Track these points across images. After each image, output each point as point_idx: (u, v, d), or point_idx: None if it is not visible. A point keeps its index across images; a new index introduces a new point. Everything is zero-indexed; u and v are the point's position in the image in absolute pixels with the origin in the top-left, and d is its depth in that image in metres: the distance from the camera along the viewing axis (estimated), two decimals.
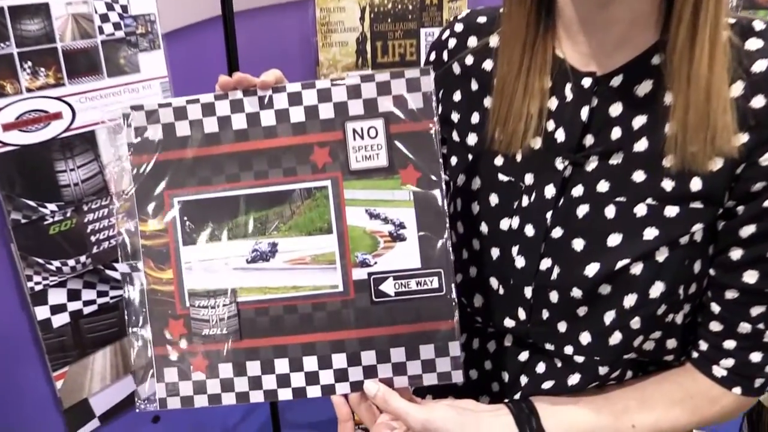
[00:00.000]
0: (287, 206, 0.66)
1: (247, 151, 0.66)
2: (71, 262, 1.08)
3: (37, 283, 0.97)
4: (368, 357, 0.65)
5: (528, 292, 0.67)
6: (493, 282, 0.70)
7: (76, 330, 0.94)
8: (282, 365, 0.66)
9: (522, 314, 0.68)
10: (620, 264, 0.61)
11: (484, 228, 0.70)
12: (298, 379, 0.66)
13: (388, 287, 0.65)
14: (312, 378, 0.66)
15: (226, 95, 0.66)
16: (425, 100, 0.64)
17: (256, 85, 0.64)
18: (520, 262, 0.67)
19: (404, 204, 0.65)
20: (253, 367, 0.66)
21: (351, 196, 0.65)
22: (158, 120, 0.66)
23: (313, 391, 0.66)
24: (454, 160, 0.76)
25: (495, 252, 0.70)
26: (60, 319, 1.03)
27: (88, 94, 1.10)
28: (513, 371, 0.71)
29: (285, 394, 0.66)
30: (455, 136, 0.75)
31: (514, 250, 0.68)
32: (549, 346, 0.68)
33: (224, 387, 0.66)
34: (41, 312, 1.01)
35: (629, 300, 0.62)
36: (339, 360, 0.65)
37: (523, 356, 0.71)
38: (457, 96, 0.75)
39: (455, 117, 0.75)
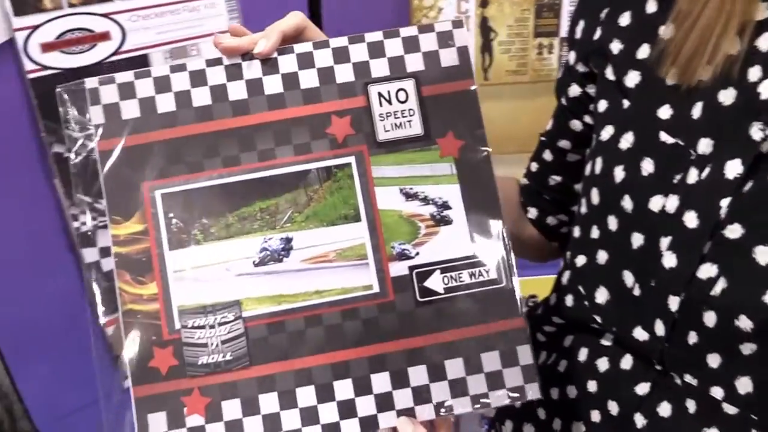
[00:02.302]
0: (302, 191, 0.53)
1: (249, 126, 0.53)
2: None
3: (83, 224, 0.81)
4: (418, 375, 0.51)
5: (673, 303, 0.49)
6: (627, 277, 0.53)
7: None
8: (306, 396, 0.51)
9: (660, 329, 0.51)
10: None
11: (626, 203, 0.52)
12: (329, 413, 0.50)
13: (436, 283, 0.52)
14: (347, 409, 0.51)
15: (219, 60, 0.54)
16: (461, 56, 0.54)
17: (253, 52, 0.53)
18: (669, 260, 0.49)
19: (446, 179, 0.53)
20: (269, 402, 0.50)
21: (380, 173, 0.53)
22: (134, 94, 0.53)
23: (350, 427, 0.51)
24: (602, 105, 0.57)
25: (637, 238, 0.52)
26: (110, 263, 0.87)
27: (140, 11, 0.91)
28: (625, 405, 0.54)
29: None
30: (609, 74, 0.56)
31: (664, 242, 0.50)
32: (690, 380, 0.50)
33: None
34: (90, 255, 0.80)
35: None
36: (381, 382, 0.51)
37: (643, 388, 0.53)
38: (624, 19, 0.56)
39: (616, 47, 0.56)
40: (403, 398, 0.51)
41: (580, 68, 0.62)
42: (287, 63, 0.54)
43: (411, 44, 0.54)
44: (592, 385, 0.57)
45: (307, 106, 0.53)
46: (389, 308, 0.52)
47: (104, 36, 0.89)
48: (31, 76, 0.81)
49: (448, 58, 0.54)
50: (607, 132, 0.55)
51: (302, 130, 0.53)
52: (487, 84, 1.03)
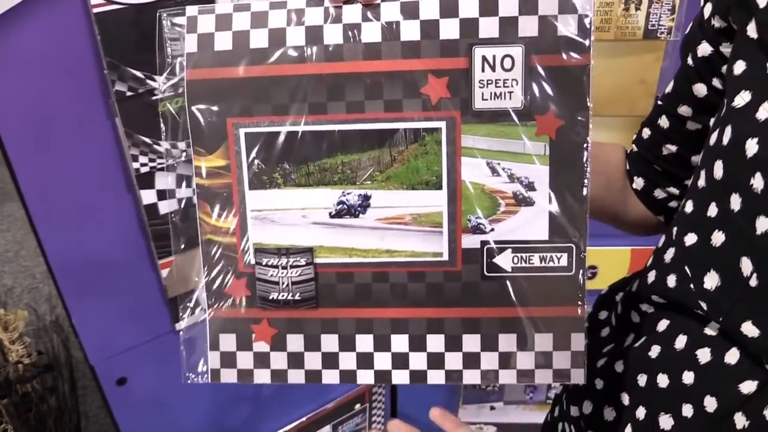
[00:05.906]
0: (387, 151, 0.51)
1: (340, 74, 0.50)
2: (182, 145, 0.94)
3: (143, 165, 0.82)
4: (471, 342, 0.53)
5: None
6: (745, 265, 0.47)
7: (185, 218, 0.88)
8: (365, 342, 0.54)
9: None
10: None
11: (757, 182, 0.45)
12: (383, 361, 0.54)
13: (505, 261, 0.52)
14: (400, 361, 0.54)
15: (322, 1, 0.50)
16: (581, 27, 0.49)
17: None
18: None
19: (537, 159, 0.51)
20: (330, 342, 0.54)
21: (470, 143, 0.51)
22: (230, 26, 0.50)
23: (400, 377, 0.55)
24: (739, 67, 0.49)
25: (763, 223, 0.45)
26: (167, 206, 0.88)
27: None
28: (726, 403, 0.48)
29: (365, 377, 0.55)
30: (751, 31, 0.49)
31: None
32: None
33: (292, 362, 0.55)
34: (147, 196, 0.86)
35: None
36: (435, 343, 0.54)
37: (748, 387, 0.47)
38: None
39: None
40: (454, 360, 0.54)
41: (716, 23, 0.53)
42: (390, 11, 0.49)
43: (528, 4, 0.49)
44: (688, 377, 0.52)
45: (404, 61, 0.50)
46: (454, 277, 0.53)
47: None
48: (96, 10, 0.76)
49: (567, 26, 0.49)
50: (742, 98, 0.48)
51: (395, 85, 0.50)
52: None
